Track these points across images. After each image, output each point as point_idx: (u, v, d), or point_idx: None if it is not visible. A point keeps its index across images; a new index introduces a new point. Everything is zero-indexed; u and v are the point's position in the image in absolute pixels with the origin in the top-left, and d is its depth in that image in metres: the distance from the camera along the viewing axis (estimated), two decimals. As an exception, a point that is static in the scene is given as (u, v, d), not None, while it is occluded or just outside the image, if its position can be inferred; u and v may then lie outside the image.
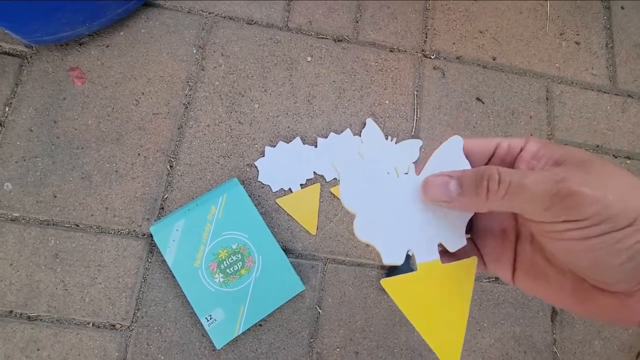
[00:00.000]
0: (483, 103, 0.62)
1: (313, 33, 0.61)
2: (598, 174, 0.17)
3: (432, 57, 0.62)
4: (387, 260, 0.22)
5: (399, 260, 0.22)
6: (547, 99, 0.63)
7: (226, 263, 0.48)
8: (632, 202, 0.16)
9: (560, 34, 0.67)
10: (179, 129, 0.54)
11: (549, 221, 0.17)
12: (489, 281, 0.55)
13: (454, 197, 0.20)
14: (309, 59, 0.59)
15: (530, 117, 0.62)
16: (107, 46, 0.55)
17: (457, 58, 0.63)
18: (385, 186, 0.23)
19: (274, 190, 0.53)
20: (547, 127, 0.62)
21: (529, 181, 0.17)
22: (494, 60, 0.64)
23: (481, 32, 0.65)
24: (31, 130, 0.51)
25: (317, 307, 0.51)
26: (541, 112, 0.63)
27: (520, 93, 0.63)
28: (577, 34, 0.67)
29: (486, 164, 0.21)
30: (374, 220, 0.22)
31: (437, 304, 0.22)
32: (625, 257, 0.16)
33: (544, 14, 0.67)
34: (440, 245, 0.22)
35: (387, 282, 0.22)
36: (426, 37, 0.63)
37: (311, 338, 0.50)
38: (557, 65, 0.65)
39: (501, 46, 0.65)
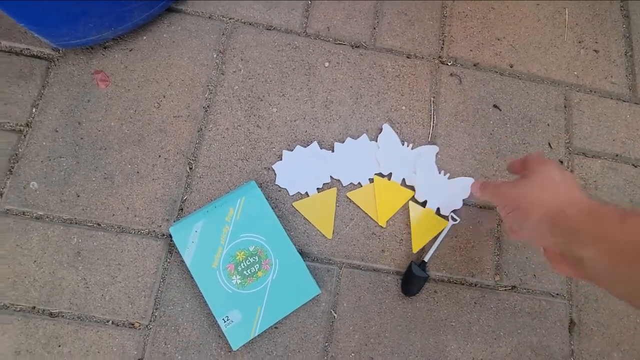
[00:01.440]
0: (500, 110, 0.61)
1: (331, 39, 0.61)
2: (518, 181, 0.41)
3: (449, 63, 0.63)
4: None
5: None
6: (565, 106, 0.63)
7: (243, 265, 0.49)
8: (519, 195, 0.39)
9: (579, 42, 0.66)
10: (198, 131, 0.55)
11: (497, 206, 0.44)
12: (505, 290, 0.54)
13: (476, 191, 0.47)
14: (326, 64, 0.60)
15: (548, 125, 0.62)
16: (130, 50, 0.57)
17: (474, 65, 0.63)
18: None
19: (290, 194, 0.54)
20: (565, 135, 0.62)
21: (491, 186, 0.44)
22: (511, 67, 0.64)
23: (498, 39, 0.65)
24: (56, 131, 0.53)
25: (332, 312, 0.51)
26: (559, 120, 0.62)
27: (537, 101, 0.63)
28: (596, 42, 0.67)
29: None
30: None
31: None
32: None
33: (562, 22, 0.67)
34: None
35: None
36: (443, 44, 0.63)
37: (326, 342, 0.50)
38: (575, 73, 0.65)
39: (519, 53, 0.65)
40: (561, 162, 0.60)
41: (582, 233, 0.32)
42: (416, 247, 0.54)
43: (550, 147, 0.61)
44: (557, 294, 0.55)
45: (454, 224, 0.55)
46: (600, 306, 0.55)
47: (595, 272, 0.31)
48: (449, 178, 0.57)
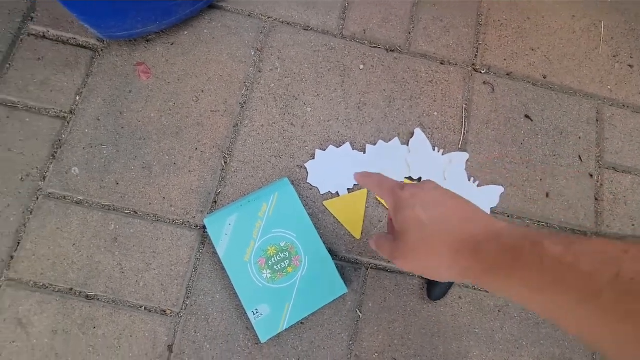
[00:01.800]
0: (532, 121, 0.61)
1: (366, 42, 0.62)
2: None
3: (483, 71, 0.63)
4: None
5: None
6: (597, 120, 0.63)
7: (274, 260, 0.50)
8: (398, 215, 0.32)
9: (614, 56, 0.66)
10: (234, 127, 0.56)
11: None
12: (530, 299, 0.54)
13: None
14: (361, 66, 0.61)
15: (579, 137, 0.62)
16: (172, 44, 0.58)
17: (508, 74, 0.63)
18: None
19: (321, 193, 0.55)
20: (596, 149, 0.61)
21: (384, 246, 0.36)
22: (544, 78, 0.64)
23: (533, 49, 0.65)
24: (98, 120, 0.54)
25: (358, 311, 0.52)
26: (591, 133, 0.62)
27: (570, 113, 0.63)
28: (631, 57, 0.66)
29: None
30: None
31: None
32: None
33: (597, 35, 0.67)
34: None
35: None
36: (477, 52, 0.64)
37: (350, 341, 0.51)
38: (609, 87, 0.64)
39: (552, 65, 0.65)
40: (591, 175, 0.60)
41: (501, 281, 0.26)
42: None
43: (581, 160, 0.61)
44: (582, 307, 0.55)
45: None
46: (625, 322, 0.55)
47: (522, 304, 0.26)
48: (478, 186, 0.57)
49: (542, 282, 0.23)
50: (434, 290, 0.52)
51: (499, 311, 0.54)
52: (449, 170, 0.57)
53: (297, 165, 0.56)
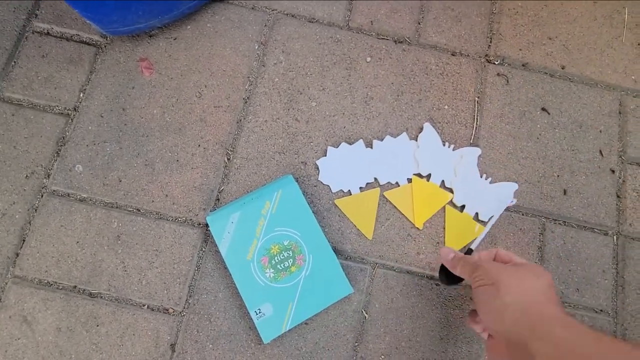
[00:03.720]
0: (549, 114, 0.58)
1: (374, 33, 0.60)
2: (502, 266, 0.39)
3: (496, 62, 0.60)
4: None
5: None
6: (619, 112, 0.59)
7: (277, 259, 0.49)
8: (500, 275, 0.36)
9: (639, 44, 0.62)
10: (237, 122, 0.55)
11: (470, 278, 0.40)
12: (546, 302, 0.52)
13: (449, 259, 0.44)
14: (368, 59, 0.59)
15: (600, 131, 0.58)
16: (174, 39, 0.57)
17: (523, 65, 0.60)
18: None
19: (333, 191, 0.53)
20: (619, 143, 0.58)
21: (471, 261, 0.41)
22: (562, 69, 0.60)
23: (550, 38, 0.62)
24: (102, 116, 0.54)
25: (364, 312, 0.50)
26: (612, 126, 0.59)
27: (590, 105, 0.59)
28: (658, 45, 0.62)
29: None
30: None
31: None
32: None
33: (620, 22, 0.63)
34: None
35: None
36: (491, 42, 0.61)
37: (356, 342, 0.49)
38: (633, 77, 0.61)
39: (571, 54, 0.61)
40: (612, 171, 0.57)
41: (552, 335, 0.31)
42: None
43: (602, 154, 0.57)
44: (601, 310, 0.52)
45: (510, 205, 0.51)
46: (649, 326, 0.52)
47: None
48: (490, 182, 0.55)
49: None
50: (449, 272, 0.45)
51: (512, 314, 0.51)
52: (460, 166, 0.54)
53: (302, 162, 0.54)
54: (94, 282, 0.49)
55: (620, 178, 0.57)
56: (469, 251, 0.47)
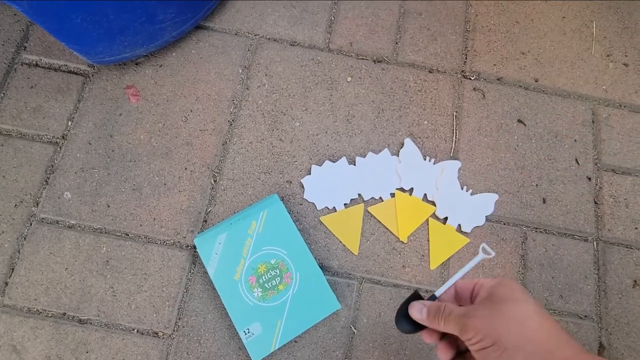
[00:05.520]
0: (525, 125, 0.60)
1: (353, 54, 0.62)
2: (491, 309, 0.29)
3: (472, 78, 0.62)
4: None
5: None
6: (593, 121, 0.61)
7: (265, 278, 0.49)
8: (497, 329, 0.28)
9: (607, 55, 0.65)
10: (223, 145, 0.56)
11: (462, 339, 0.30)
12: (531, 310, 0.53)
13: (424, 319, 0.33)
14: (349, 79, 0.61)
15: (575, 140, 0.60)
16: (160, 66, 0.59)
17: (498, 79, 0.63)
18: None
19: (318, 208, 0.54)
20: (593, 151, 0.60)
21: (453, 314, 0.30)
22: (536, 82, 0.63)
23: (523, 53, 0.64)
24: (90, 144, 0.55)
25: (352, 327, 0.51)
26: (587, 135, 0.61)
27: (564, 115, 0.61)
28: (626, 55, 0.65)
29: (470, 294, 0.34)
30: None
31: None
32: None
33: (589, 35, 0.66)
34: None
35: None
36: (466, 58, 0.63)
37: (345, 358, 0.50)
38: (603, 87, 0.63)
39: (544, 68, 0.64)
40: (589, 179, 0.59)
41: None
42: (434, 264, 0.53)
43: (578, 163, 0.59)
44: (586, 316, 0.53)
45: (485, 258, 0.36)
46: (632, 330, 0.53)
47: None
48: (471, 194, 0.56)
49: None
50: (402, 319, 0.36)
51: (498, 323, 0.52)
52: (440, 180, 0.56)
53: (287, 181, 0.55)
54: (83, 308, 0.49)
55: (597, 185, 0.59)
56: (432, 297, 0.36)
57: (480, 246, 0.35)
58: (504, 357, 0.28)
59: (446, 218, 0.55)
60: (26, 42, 0.59)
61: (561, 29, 0.66)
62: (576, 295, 0.54)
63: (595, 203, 0.58)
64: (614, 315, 0.53)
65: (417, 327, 0.34)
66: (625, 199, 0.58)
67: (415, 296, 0.36)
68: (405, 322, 0.35)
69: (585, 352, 0.28)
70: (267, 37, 0.62)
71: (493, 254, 0.35)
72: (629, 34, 0.66)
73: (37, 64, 0.58)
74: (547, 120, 0.61)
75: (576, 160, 0.59)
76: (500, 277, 0.32)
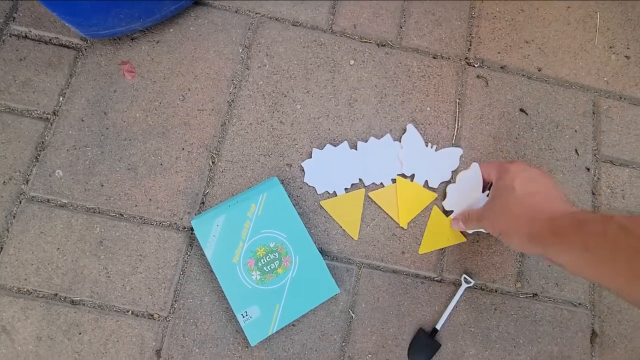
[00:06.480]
0: (527, 114, 0.60)
1: (357, 37, 0.61)
2: (492, 207, 0.43)
3: (476, 65, 0.62)
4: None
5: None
6: (593, 113, 0.62)
7: (263, 261, 0.49)
8: (498, 224, 0.41)
9: (610, 47, 0.65)
10: (222, 125, 0.55)
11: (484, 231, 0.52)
12: (526, 297, 0.53)
13: (463, 226, 0.49)
14: (351, 62, 0.59)
15: (575, 131, 0.60)
16: (157, 42, 0.57)
17: (502, 67, 0.62)
18: None
19: (319, 192, 0.53)
20: (593, 142, 0.60)
21: (473, 218, 0.46)
22: (539, 71, 0.62)
23: (527, 42, 0.64)
24: (82, 121, 0.53)
25: (350, 311, 0.51)
26: (587, 126, 0.61)
27: (565, 106, 0.61)
28: (628, 48, 0.65)
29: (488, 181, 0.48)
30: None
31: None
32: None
33: (593, 26, 0.66)
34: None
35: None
36: (470, 45, 0.62)
37: (343, 342, 0.50)
38: (605, 79, 0.63)
39: (547, 57, 0.63)
40: (588, 169, 0.59)
41: (567, 244, 0.33)
42: (423, 249, 0.53)
43: (577, 153, 0.59)
44: (580, 304, 0.54)
45: (468, 287, 0.52)
46: (624, 318, 0.54)
47: (576, 270, 0.33)
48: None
49: (602, 248, 0.30)
50: (416, 355, 0.50)
51: (495, 309, 0.53)
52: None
53: (287, 164, 0.54)
54: (76, 289, 0.48)
55: (595, 176, 0.59)
56: (434, 331, 0.50)
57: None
58: (506, 239, 0.40)
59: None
60: (15, 13, 0.56)
61: (565, 19, 0.65)
62: (571, 283, 0.54)
63: (593, 194, 0.58)
64: (607, 304, 0.54)
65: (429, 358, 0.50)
66: (622, 190, 0.59)
67: (420, 333, 0.50)
68: (418, 356, 0.50)
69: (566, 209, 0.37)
70: (269, 15, 0.60)
71: (472, 282, 0.52)
72: (631, 27, 0.66)
73: (26, 35, 0.55)
74: (549, 110, 0.61)
75: (576, 150, 0.59)
76: (503, 168, 0.43)
